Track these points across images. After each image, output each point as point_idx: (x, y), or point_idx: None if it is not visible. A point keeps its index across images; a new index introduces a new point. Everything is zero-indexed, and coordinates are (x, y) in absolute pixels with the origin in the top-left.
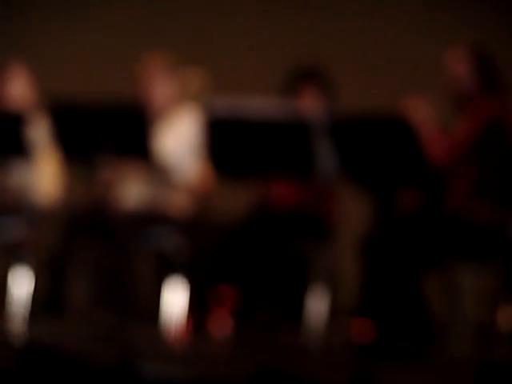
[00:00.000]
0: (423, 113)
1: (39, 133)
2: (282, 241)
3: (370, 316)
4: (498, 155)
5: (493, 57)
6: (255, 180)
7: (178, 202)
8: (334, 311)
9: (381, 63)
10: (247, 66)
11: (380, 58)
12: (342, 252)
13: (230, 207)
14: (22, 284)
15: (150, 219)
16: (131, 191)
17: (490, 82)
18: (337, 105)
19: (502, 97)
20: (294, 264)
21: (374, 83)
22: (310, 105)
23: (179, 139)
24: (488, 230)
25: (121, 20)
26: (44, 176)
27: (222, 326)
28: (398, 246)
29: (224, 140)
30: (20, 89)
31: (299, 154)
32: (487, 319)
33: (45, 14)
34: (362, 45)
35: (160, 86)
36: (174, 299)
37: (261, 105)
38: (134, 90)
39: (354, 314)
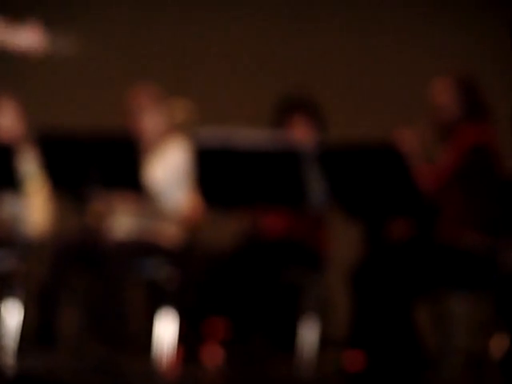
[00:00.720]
0: (411, 143)
1: (28, 164)
2: (273, 270)
3: (361, 345)
4: (485, 181)
5: (477, 84)
6: (245, 210)
7: (168, 232)
8: (326, 341)
9: (369, 93)
10: (234, 97)
11: (368, 88)
12: (334, 281)
13: (221, 236)
14: (12, 315)
15: (140, 249)
16: (121, 221)
17: (475, 108)
18: (326, 134)
19: (486, 123)
20: (285, 294)
21: (363, 113)
22: (300, 134)
23: (168, 169)
24: (478, 258)
25: (107, 51)
26: (34, 207)
27: (213, 356)
28: (388, 274)
29: (213, 170)
30: (8, 120)
31: (289, 183)
32: (479, 348)
33: None
34: (350, 74)
35: (148, 117)
36: (166, 330)
37: (250, 135)
38: (121, 122)
39: (346, 344)
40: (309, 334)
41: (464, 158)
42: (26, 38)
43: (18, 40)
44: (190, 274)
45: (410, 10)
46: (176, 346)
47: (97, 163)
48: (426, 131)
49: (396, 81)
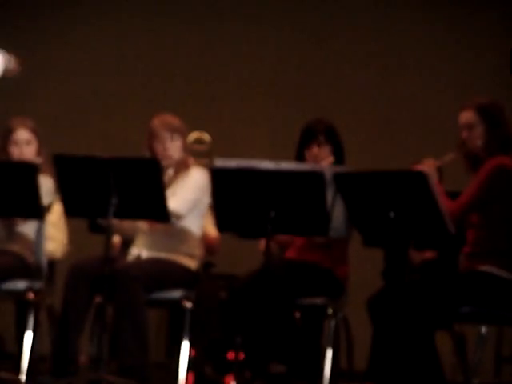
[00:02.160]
0: (435, 173)
1: (45, 186)
2: (292, 300)
3: (380, 376)
4: (507, 206)
5: (503, 113)
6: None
7: (188, 255)
8: (347, 372)
9: (392, 124)
10: (253, 132)
11: (391, 119)
12: (354, 310)
13: (240, 261)
14: (29, 339)
15: (158, 273)
16: (140, 244)
17: (502, 140)
18: (347, 162)
19: None
20: (305, 323)
21: (385, 141)
22: (320, 161)
23: (188, 195)
24: (502, 283)
25: (131, 84)
26: (50, 229)
27: None
28: (410, 304)
29: (233, 199)
30: (26, 141)
31: (312, 211)
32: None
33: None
34: (372, 105)
35: (168, 146)
36: (181, 359)
37: (270, 165)
38: (143, 152)
39: (366, 375)
40: (330, 365)
41: (487, 181)
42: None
43: None
44: (209, 298)
45: (434, 40)
46: (190, 374)
47: (117, 187)
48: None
49: (418, 112)
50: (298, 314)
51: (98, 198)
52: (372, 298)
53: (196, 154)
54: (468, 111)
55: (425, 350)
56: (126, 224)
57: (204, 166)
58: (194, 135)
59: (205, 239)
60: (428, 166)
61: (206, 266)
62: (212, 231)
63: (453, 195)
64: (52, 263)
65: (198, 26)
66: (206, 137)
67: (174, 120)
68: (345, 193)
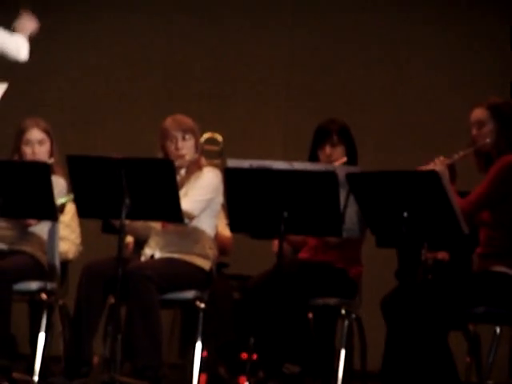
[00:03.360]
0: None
1: (58, 187)
2: (305, 300)
3: (394, 376)
4: None
5: None
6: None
7: (201, 255)
8: (361, 372)
9: (405, 123)
10: (266, 132)
11: (404, 118)
12: (367, 310)
13: (253, 262)
14: (42, 340)
15: (171, 274)
16: (153, 245)
17: None
18: (360, 162)
19: None
20: (319, 324)
21: (397, 141)
22: (333, 161)
23: (201, 195)
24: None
25: (144, 84)
26: (62, 229)
27: None
28: (423, 304)
29: (246, 200)
30: (39, 141)
31: (325, 211)
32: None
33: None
34: (385, 105)
35: (180, 146)
36: (194, 360)
37: (283, 165)
38: (156, 153)
39: (381, 376)
40: (344, 366)
41: (498, 179)
42: None
43: None
44: (221, 300)
45: (447, 39)
46: (203, 375)
47: (130, 188)
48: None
49: (431, 111)
50: (311, 315)
51: (111, 199)
52: (385, 298)
53: (208, 154)
54: (480, 108)
55: (439, 351)
56: (139, 225)
57: (216, 166)
58: (205, 135)
59: (218, 239)
60: (439, 165)
61: (220, 266)
62: (225, 231)
63: (464, 194)
64: (65, 264)
65: (212, 26)
66: (218, 137)
67: (186, 120)
68: (358, 193)
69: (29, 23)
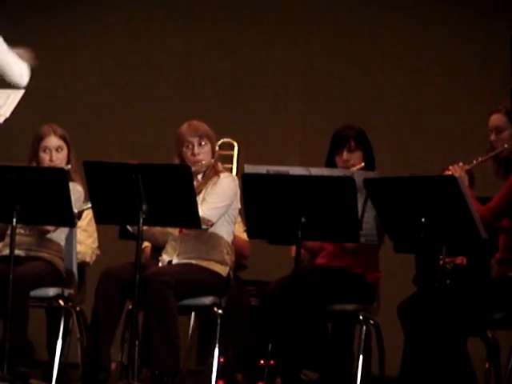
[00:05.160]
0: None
1: (76, 193)
2: (323, 306)
3: (413, 383)
4: None
5: None
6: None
7: (219, 261)
8: (379, 378)
9: (422, 128)
10: (283, 138)
11: (421, 124)
12: (385, 316)
13: (270, 268)
14: (60, 346)
15: (189, 279)
16: (170, 251)
17: None
18: (377, 167)
19: None
20: (336, 330)
21: (415, 146)
22: (351, 166)
23: (218, 203)
24: None
25: (160, 90)
26: (79, 234)
27: None
28: (442, 310)
29: (263, 205)
30: (56, 147)
31: (343, 217)
32: None
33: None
34: (403, 109)
35: (196, 151)
36: (212, 366)
37: (300, 170)
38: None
39: (399, 382)
40: (361, 371)
41: None
42: None
43: None
44: (239, 306)
45: (464, 44)
46: (220, 381)
47: (147, 194)
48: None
49: (449, 116)
50: (329, 321)
51: (128, 205)
52: (403, 304)
53: (222, 159)
54: (498, 114)
55: (458, 357)
56: (157, 230)
57: (228, 170)
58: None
59: (236, 243)
60: (458, 170)
61: (239, 267)
62: (243, 235)
63: (483, 200)
64: (82, 269)
65: (228, 31)
66: (233, 142)
67: (201, 125)
68: (376, 198)
69: (25, 54)
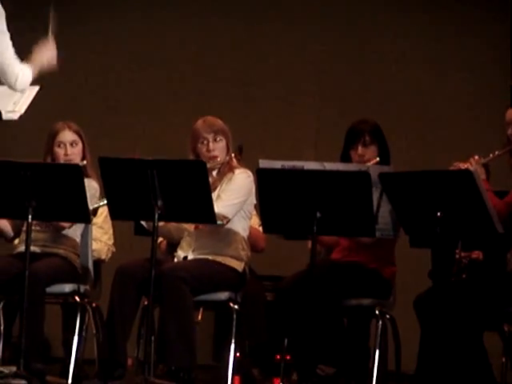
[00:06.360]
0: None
1: (91, 189)
2: (338, 301)
3: (430, 378)
4: None
5: None
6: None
7: (234, 257)
8: (396, 373)
9: (437, 123)
10: (298, 133)
11: (437, 117)
12: (401, 310)
13: (286, 262)
14: (76, 343)
15: (204, 275)
16: (186, 246)
17: None
18: (392, 161)
19: None
20: (352, 325)
21: (430, 140)
22: (366, 161)
23: (233, 199)
24: None
25: (175, 86)
26: (95, 230)
27: None
28: (458, 304)
29: (279, 201)
30: (71, 142)
31: (358, 211)
32: None
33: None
34: (418, 103)
35: (212, 147)
36: (228, 361)
37: (315, 165)
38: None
39: (416, 376)
40: (377, 365)
41: None
42: None
43: None
44: (254, 301)
45: (481, 38)
46: (236, 376)
47: (163, 190)
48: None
49: (464, 110)
50: (345, 316)
51: (144, 201)
52: (419, 298)
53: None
54: None
55: (474, 351)
56: (172, 226)
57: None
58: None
59: (251, 236)
60: (474, 164)
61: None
62: (259, 228)
63: (500, 194)
64: (98, 266)
65: (242, 27)
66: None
67: (216, 121)
68: (391, 193)
69: (47, 52)
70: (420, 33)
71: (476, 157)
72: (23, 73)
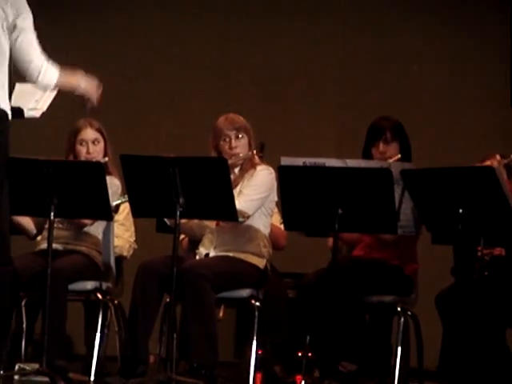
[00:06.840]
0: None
1: (113, 187)
2: (360, 298)
3: (452, 374)
4: None
5: None
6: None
7: (256, 254)
8: (418, 370)
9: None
10: (319, 130)
11: (458, 114)
12: (423, 307)
13: (307, 259)
14: (98, 340)
15: (226, 272)
16: (207, 243)
17: None
18: (414, 158)
19: None
20: (374, 322)
21: (451, 138)
22: (387, 158)
23: (254, 196)
24: None
25: (197, 84)
26: (116, 227)
27: None
28: (480, 301)
29: (300, 197)
30: (93, 140)
31: (380, 208)
32: None
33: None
34: (439, 100)
35: (234, 144)
36: (250, 359)
37: (337, 162)
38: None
39: (438, 373)
40: (399, 362)
41: None
42: None
43: None
44: (276, 298)
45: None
46: (258, 374)
47: (184, 187)
48: None
49: (486, 108)
50: (366, 312)
51: (165, 198)
52: (441, 295)
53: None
54: None
55: (497, 348)
56: (194, 223)
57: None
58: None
59: (272, 233)
60: (495, 163)
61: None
62: (280, 225)
63: None
64: (120, 263)
65: (265, 23)
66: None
67: (238, 118)
68: (413, 190)
69: (89, 83)
70: (444, 33)
71: (497, 156)
72: (48, 69)
